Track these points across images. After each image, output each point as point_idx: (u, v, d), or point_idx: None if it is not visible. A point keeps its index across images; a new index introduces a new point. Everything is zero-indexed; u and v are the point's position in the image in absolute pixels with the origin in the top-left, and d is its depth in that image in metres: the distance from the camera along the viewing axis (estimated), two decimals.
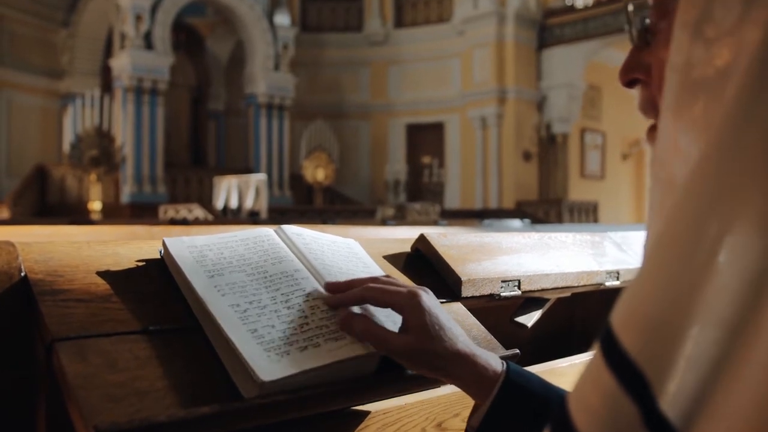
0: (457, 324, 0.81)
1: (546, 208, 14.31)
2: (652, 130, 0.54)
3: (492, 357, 0.79)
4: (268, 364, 0.69)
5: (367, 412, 0.84)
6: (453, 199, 15.71)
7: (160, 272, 0.81)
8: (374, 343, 0.77)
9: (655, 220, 0.43)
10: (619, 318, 0.36)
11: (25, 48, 14.57)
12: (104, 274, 0.77)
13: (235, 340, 0.70)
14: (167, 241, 0.82)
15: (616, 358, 0.35)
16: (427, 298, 0.79)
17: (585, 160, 16.37)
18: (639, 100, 0.55)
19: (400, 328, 0.79)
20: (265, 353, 0.70)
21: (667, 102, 0.42)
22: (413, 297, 0.78)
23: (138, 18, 13.00)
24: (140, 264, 0.81)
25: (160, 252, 0.83)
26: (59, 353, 0.65)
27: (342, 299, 0.80)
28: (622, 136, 17.25)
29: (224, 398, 0.68)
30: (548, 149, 15.48)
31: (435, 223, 6.84)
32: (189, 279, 0.77)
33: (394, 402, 0.86)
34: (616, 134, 17.07)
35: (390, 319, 0.80)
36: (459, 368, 0.77)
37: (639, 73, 0.55)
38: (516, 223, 6.51)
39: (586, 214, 14.74)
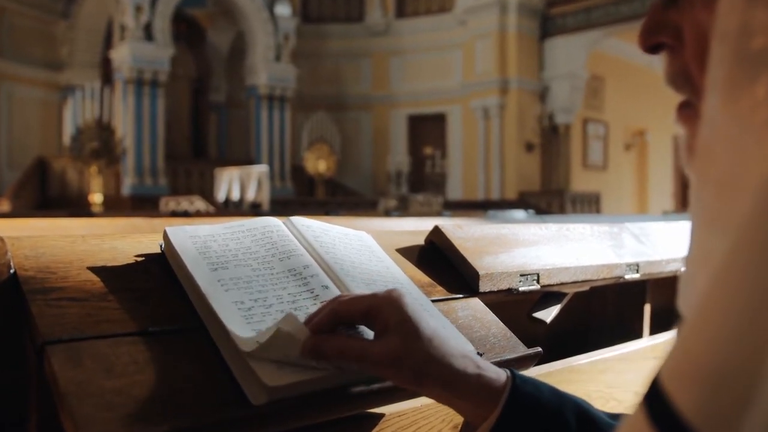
0: (452, 325, 0.73)
1: (548, 198, 14.27)
2: (685, 108, 0.45)
3: (488, 363, 0.67)
4: (275, 369, 0.64)
5: (381, 415, 0.79)
6: (455, 190, 15.66)
7: (161, 268, 0.75)
8: (354, 362, 0.65)
9: (706, 233, 0.35)
10: (670, 370, 0.28)
11: (24, 40, 14.49)
12: (100, 271, 0.72)
13: (239, 343, 0.65)
14: (169, 230, 0.76)
15: (666, 422, 0.27)
16: (408, 295, 0.67)
17: (587, 150, 16.30)
18: (666, 70, 0.45)
19: (378, 332, 0.66)
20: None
21: (715, 80, 0.34)
22: (391, 293, 0.66)
23: (138, 9, 12.92)
24: (139, 259, 0.76)
25: (161, 246, 0.78)
26: (51, 357, 0.60)
27: (315, 325, 0.66)
28: (624, 126, 17.18)
29: (231, 405, 0.63)
30: (550, 140, 15.42)
31: (438, 214, 6.79)
32: (191, 271, 0.71)
33: (410, 404, 0.82)
34: (619, 124, 17.00)
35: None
36: (455, 375, 0.64)
37: (665, 35, 0.44)
38: (520, 213, 6.45)
39: (589, 205, 14.70)
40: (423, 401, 0.83)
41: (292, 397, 0.64)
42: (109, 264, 0.73)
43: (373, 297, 0.66)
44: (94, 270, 0.71)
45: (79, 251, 0.73)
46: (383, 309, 0.65)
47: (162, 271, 0.75)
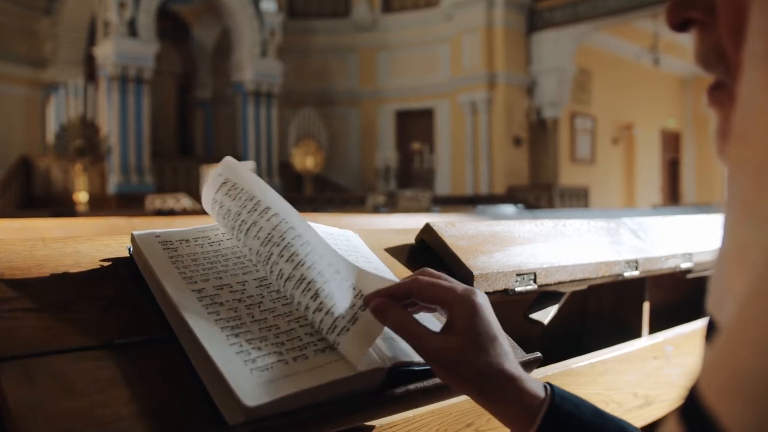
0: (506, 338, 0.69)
1: (537, 193, 14.26)
2: (717, 90, 0.41)
3: (536, 382, 0.66)
4: (255, 385, 0.58)
5: (371, 427, 0.74)
6: (444, 186, 15.63)
7: (130, 273, 0.69)
8: (408, 341, 0.66)
9: (741, 225, 0.30)
10: (711, 383, 0.25)
11: (7, 37, 14.31)
12: (62, 278, 0.65)
13: (215, 356, 0.59)
14: (136, 235, 0.70)
15: None
16: (484, 299, 0.67)
17: (575, 144, 16.32)
18: (696, 49, 0.41)
19: (443, 328, 0.66)
20: (250, 372, 0.59)
21: (754, 53, 0.31)
22: (468, 294, 0.66)
23: (121, 5, 12.79)
24: (105, 264, 0.69)
25: (129, 249, 0.71)
26: (1, 376, 0.53)
27: (385, 291, 0.67)
28: (612, 120, 17.21)
29: (205, 425, 0.57)
30: (538, 134, 15.42)
31: (427, 210, 6.75)
32: (161, 281, 0.65)
33: (401, 414, 0.76)
34: (607, 118, 17.03)
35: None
36: (500, 393, 0.63)
37: (696, 11, 0.41)
38: (510, 208, 6.41)
39: (577, 199, 14.72)
40: (415, 411, 0.78)
41: (271, 416, 0.58)
42: (72, 270, 0.67)
43: (450, 292, 0.66)
44: (55, 277, 0.65)
45: (39, 256, 0.67)
46: (455, 307, 0.65)
47: (130, 277, 0.69)
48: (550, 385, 0.66)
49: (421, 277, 0.68)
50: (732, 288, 0.31)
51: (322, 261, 0.68)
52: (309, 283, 0.66)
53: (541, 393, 0.64)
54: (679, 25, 0.42)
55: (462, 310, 0.65)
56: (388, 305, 0.66)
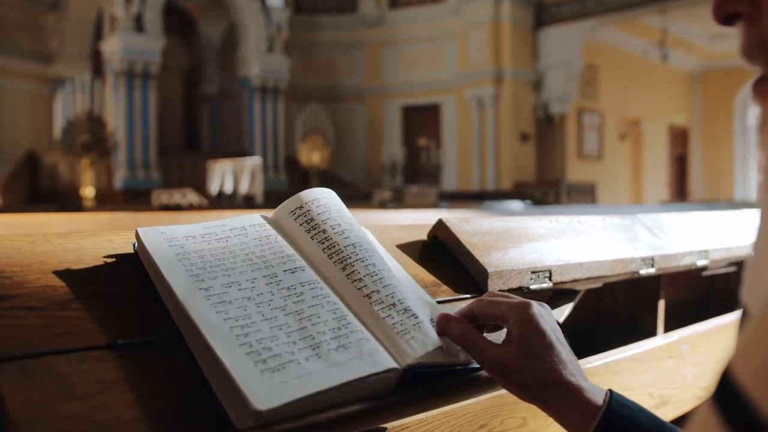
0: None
1: (544, 189, 14.20)
2: (760, 83, 0.41)
3: (597, 389, 0.67)
4: (266, 389, 0.55)
5: (383, 429, 0.71)
6: (450, 181, 15.59)
7: (134, 270, 0.66)
8: (468, 351, 0.70)
9: None
10: (746, 366, 0.25)
11: (13, 32, 14.32)
12: (63, 274, 0.63)
13: (223, 357, 0.56)
14: (141, 231, 0.67)
15: (747, 426, 0.24)
16: (539, 310, 0.70)
17: (583, 140, 16.24)
18: (742, 42, 0.41)
19: (504, 340, 0.70)
20: (261, 373, 0.56)
21: None
22: (523, 306, 0.69)
23: (128, 0, 12.76)
24: (109, 260, 0.67)
25: (134, 245, 0.69)
26: (0, 377, 0.51)
27: (454, 315, 0.71)
28: (619, 115, 17.12)
29: (212, 430, 0.54)
30: (546, 130, 15.35)
31: (434, 205, 6.72)
32: (167, 279, 0.62)
33: (414, 417, 0.74)
34: (614, 114, 16.94)
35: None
36: (558, 400, 0.66)
37: (741, 4, 0.41)
38: (517, 204, 6.38)
39: (584, 195, 14.65)
40: (428, 413, 0.76)
41: (282, 419, 0.55)
42: (74, 267, 0.64)
43: (505, 305, 0.70)
44: (57, 273, 0.63)
45: (40, 252, 0.65)
46: (511, 319, 0.69)
47: (134, 274, 0.66)
48: (611, 391, 0.67)
49: (482, 298, 0.72)
50: (765, 277, 0.30)
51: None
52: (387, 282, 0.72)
53: (600, 400, 0.66)
54: (725, 18, 0.42)
55: (516, 320, 0.68)
56: (449, 319, 0.70)
